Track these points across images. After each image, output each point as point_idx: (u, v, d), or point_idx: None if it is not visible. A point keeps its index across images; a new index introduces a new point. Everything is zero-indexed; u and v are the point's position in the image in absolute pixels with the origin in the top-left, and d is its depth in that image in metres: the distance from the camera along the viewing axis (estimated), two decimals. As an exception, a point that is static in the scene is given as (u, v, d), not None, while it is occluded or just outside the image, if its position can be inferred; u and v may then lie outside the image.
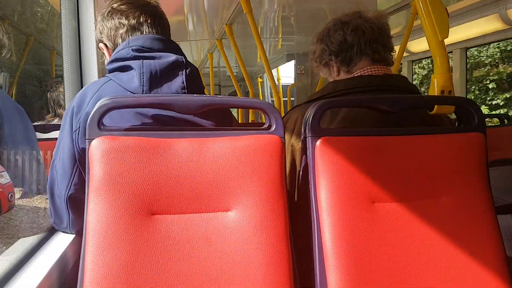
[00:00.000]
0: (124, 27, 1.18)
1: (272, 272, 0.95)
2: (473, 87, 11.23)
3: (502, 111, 10.42)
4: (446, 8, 1.25)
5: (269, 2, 3.12)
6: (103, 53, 1.29)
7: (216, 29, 4.00)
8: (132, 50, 1.10)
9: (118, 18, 1.19)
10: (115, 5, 1.21)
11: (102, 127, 0.95)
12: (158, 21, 1.22)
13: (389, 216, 1.04)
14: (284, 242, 0.97)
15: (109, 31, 1.21)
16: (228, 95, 8.42)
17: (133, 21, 1.18)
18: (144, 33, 1.18)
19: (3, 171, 1.32)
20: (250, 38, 4.46)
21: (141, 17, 1.19)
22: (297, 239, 1.03)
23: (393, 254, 1.01)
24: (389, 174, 1.06)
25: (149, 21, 1.19)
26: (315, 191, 1.04)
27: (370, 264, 0.99)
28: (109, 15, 1.21)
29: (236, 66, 6.82)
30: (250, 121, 4.13)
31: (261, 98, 7.64)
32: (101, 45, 1.27)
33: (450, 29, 1.27)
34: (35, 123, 2.26)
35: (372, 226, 1.02)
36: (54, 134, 1.95)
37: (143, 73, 1.07)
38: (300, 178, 1.16)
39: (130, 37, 1.18)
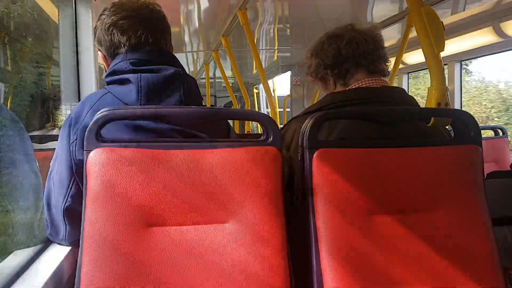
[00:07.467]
0: (124, 46, 1.14)
1: (269, 284, 0.94)
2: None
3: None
4: (442, 22, 1.27)
5: (265, 14, 3.14)
6: (102, 62, 1.27)
7: (212, 41, 4.02)
8: (130, 63, 1.10)
9: (118, 37, 1.14)
10: (115, 18, 1.15)
11: (100, 139, 0.95)
12: (161, 33, 1.18)
13: (386, 228, 1.04)
14: (281, 253, 0.97)
15: (108, 47, 1.17)
16: (224, 106, 8.45)
17: (134, 40, 1.14)
18: (145, 48, 1.14)
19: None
20: (246, 49, 4.50)
21: (143, 36, 1.14)
22: (295, 251, 1.03)
23: (390, 266, 1.01)
24: (386, 186, 1.06)
25: (150, 38, 1.15)
26: (313, 203, 1.04)
27: (367, 275, 0.99)
28: (109, 30, 1.15)
29: (232, 77, 6.86)
30: (246, 132, 4.13)
31: (256, 108, 7.67)
32: (99, 53, 1.25)
33: (445, 42, 1.28)
34: (32, 133, 2.25)
35: (369, 238, 1.02)
36: (51, 144, 1.94)
37: (140, 86, 1.06)
38: (298, 190, 1.16)
39: (129, 53, 1.14)
